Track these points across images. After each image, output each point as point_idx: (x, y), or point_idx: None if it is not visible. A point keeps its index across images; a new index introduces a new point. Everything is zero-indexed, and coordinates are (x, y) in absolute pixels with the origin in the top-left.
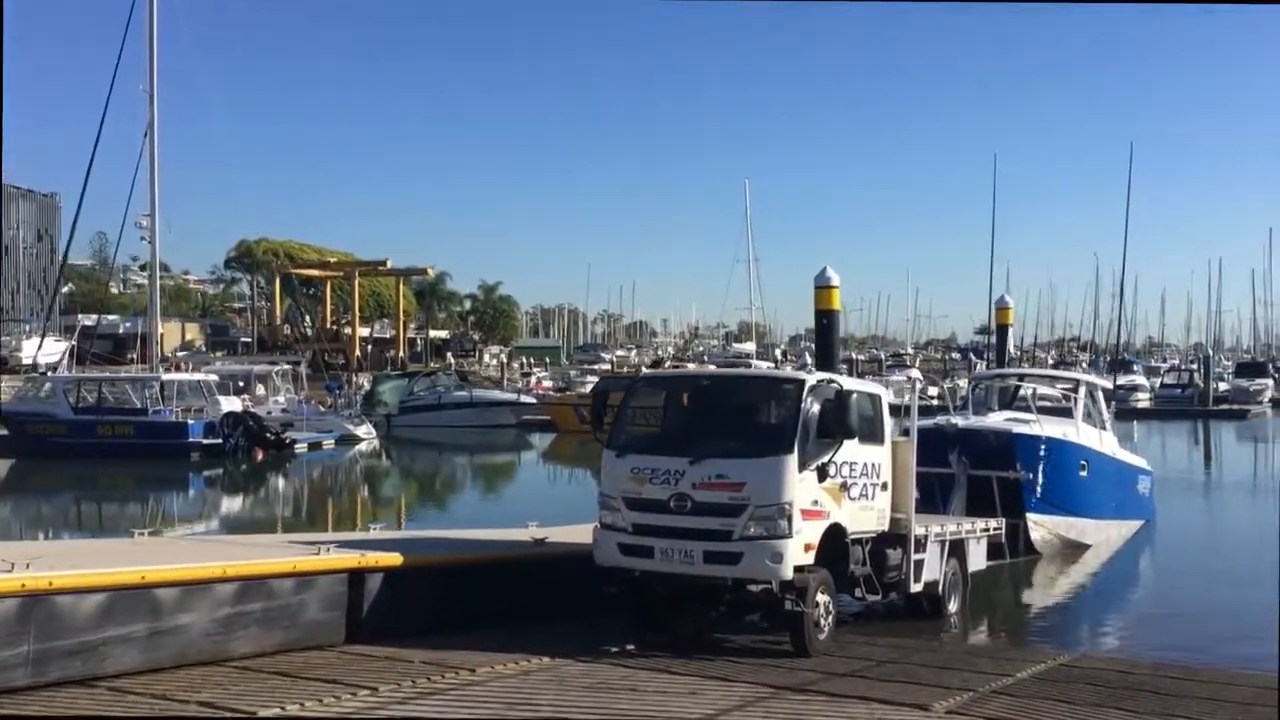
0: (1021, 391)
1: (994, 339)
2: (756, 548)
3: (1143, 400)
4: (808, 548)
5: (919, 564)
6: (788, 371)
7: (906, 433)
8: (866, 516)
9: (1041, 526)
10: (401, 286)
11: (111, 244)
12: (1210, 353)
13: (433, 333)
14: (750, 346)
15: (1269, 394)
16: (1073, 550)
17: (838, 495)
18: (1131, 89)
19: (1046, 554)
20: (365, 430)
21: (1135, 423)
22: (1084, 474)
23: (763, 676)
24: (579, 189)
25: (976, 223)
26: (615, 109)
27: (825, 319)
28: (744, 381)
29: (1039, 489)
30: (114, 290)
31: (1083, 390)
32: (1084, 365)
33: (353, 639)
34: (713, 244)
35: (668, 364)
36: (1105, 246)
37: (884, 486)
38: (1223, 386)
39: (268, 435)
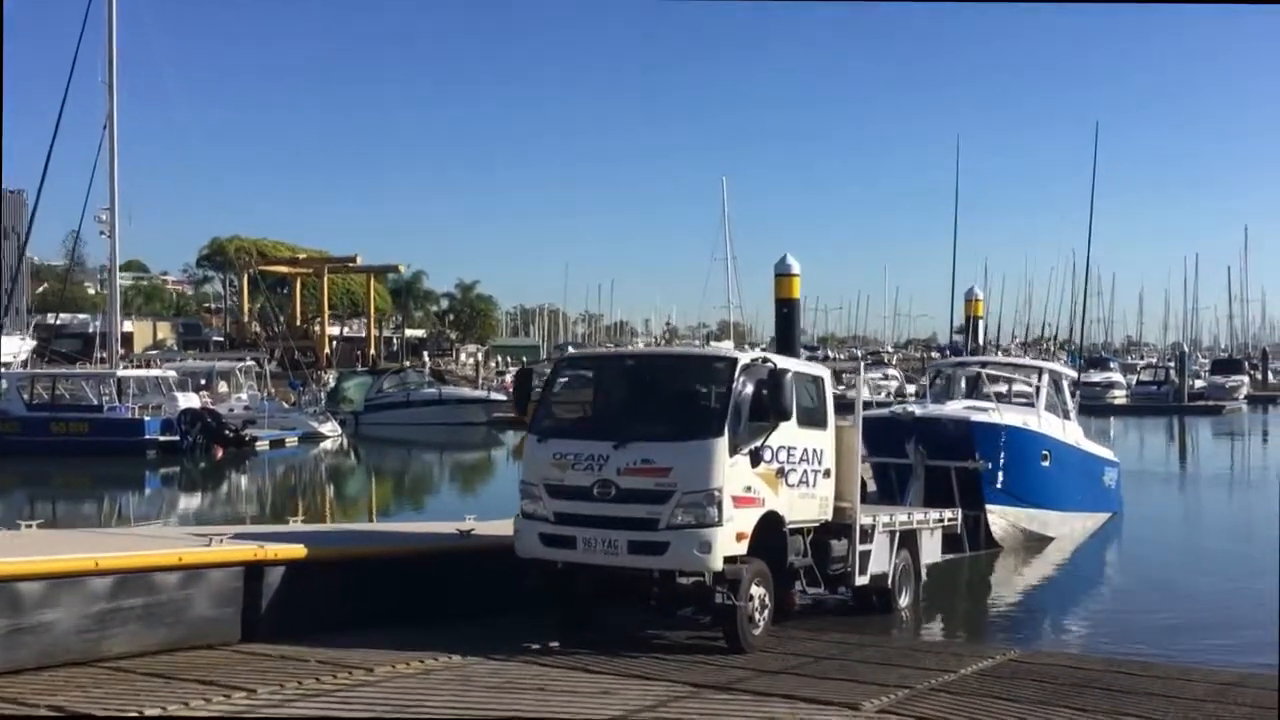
0: (987, 386)
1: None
2: (684, 537)
3: (1119, 397)
4: (740, 537)
5: (865, 555)
6: (719, 350)
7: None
8: (807, 505)
9: (1002, 518)
10: (377, 285)
11: (84, 242)
12: (1186, 349)
13: (410, 332)
14: (728, 345)
15: (1244, 390)
16: (1035, 543)
17: (774, 482)
18: (1109, 85)
19: (1008, 547)
20: (330, 428)
21: (1111, 419)
22: (1046, 464)
23: (688, 674)
24: (558, 187)
25: (959, 222)
26: (594, 105)
27: (785, 307)
28: (672, 361)
29: (999, 479)
30: (90, 290)
31: (1045, 379)
32: (1063, 360)
33: (250, 637)
34: (691, 243)
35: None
36: (1083, 244)
37: (827, 474)
38: (1199, 384)
39: (227, 433)
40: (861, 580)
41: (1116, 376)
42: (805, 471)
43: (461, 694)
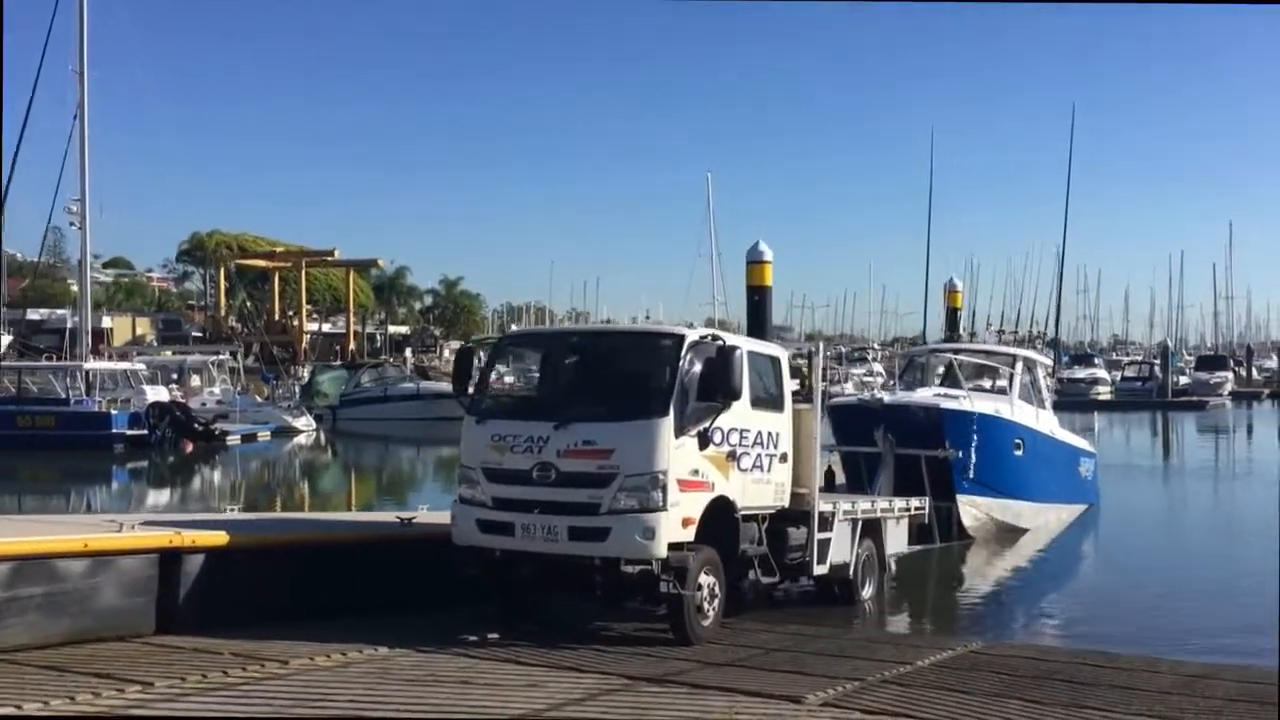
0: (961, 374)
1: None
2: (626, 522)
3: (1103, 393)
4: (686, 523)
5: (825, 544)
6: (666, 326)
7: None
8: (761, 490)
9: (973, 508)
10: (360, 281)
11: (64, 237)
12: (1170, 344)
13: (393, 328)
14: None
15: (1229, 386)
16: (1008, 534)
17: (724, 465)
18: (1093, 81)
19: (980, 538)
20: (305, 422)
21: (1095, 414)
22: (1019, 453)
23: (625, 666)
24: (544, 183)
25: (941, 219)
26: (580, 102)
27: (757, 295)
28: (617, 338)
29: (970, 469)
30: (73, 286)
31: (1020, 366)
32: (1041, 349)
33: (165, 628)
34: (676, 239)
35: None
36: (1069, 241)
37: (783, 458)
38: (1183, 380)
39: (196, 426)
40: (820, 570)
41: (1101, 373)
42: (759, 455)
43: (375, 687)
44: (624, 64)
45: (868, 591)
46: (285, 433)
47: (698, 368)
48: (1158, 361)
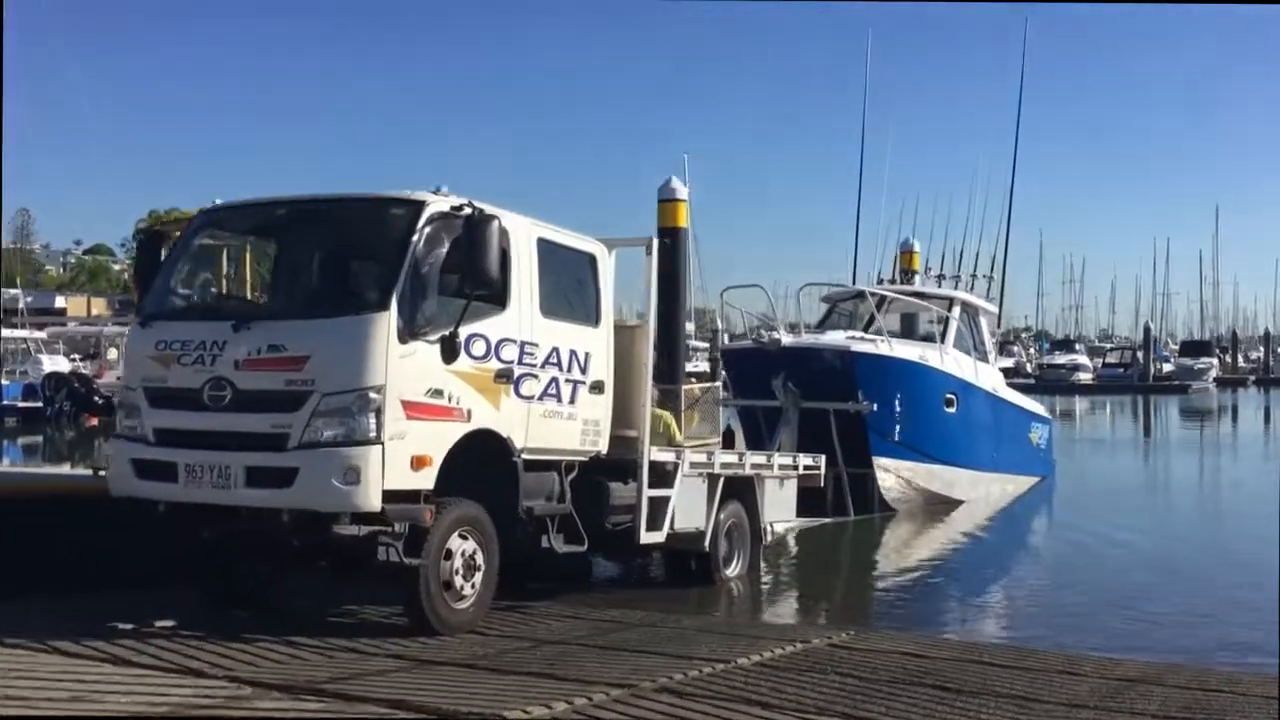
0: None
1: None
2: (320, 460)
3: (1084, 379)
4: (419, 463)
5: (660, 504)
6: (403, 192)
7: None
8: (560, 429)
9: (894, 474)
10: None
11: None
12: (1151, 325)
13: None
14: (690, 327)
15: (1214, 373)
16: (939, 507)
17: (491, 389)
18: (1080, 71)
19: (904, 510)
20: None
21: (1076, 397)
22: (952, 410)
23: (283, 671)
24: (523, 166)
25: (925, 201)
26: (555, 84)
27: (669, 238)
28: (335, 208)
29: (890, 426)
30: (50, 270)
31: (957, 310)
32: (1029, 349)
33: None
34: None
35: None
36: (1052, 226)
37: (596, 389)
38: (1167, 367)
39: (97, 399)
40: (653, 537)
41: (1082, 359)
42: (556, 382)
43: None
44: (594, 48)
45: (734, 569)
46: None
47: (441, 249)
48: (1140, 350)
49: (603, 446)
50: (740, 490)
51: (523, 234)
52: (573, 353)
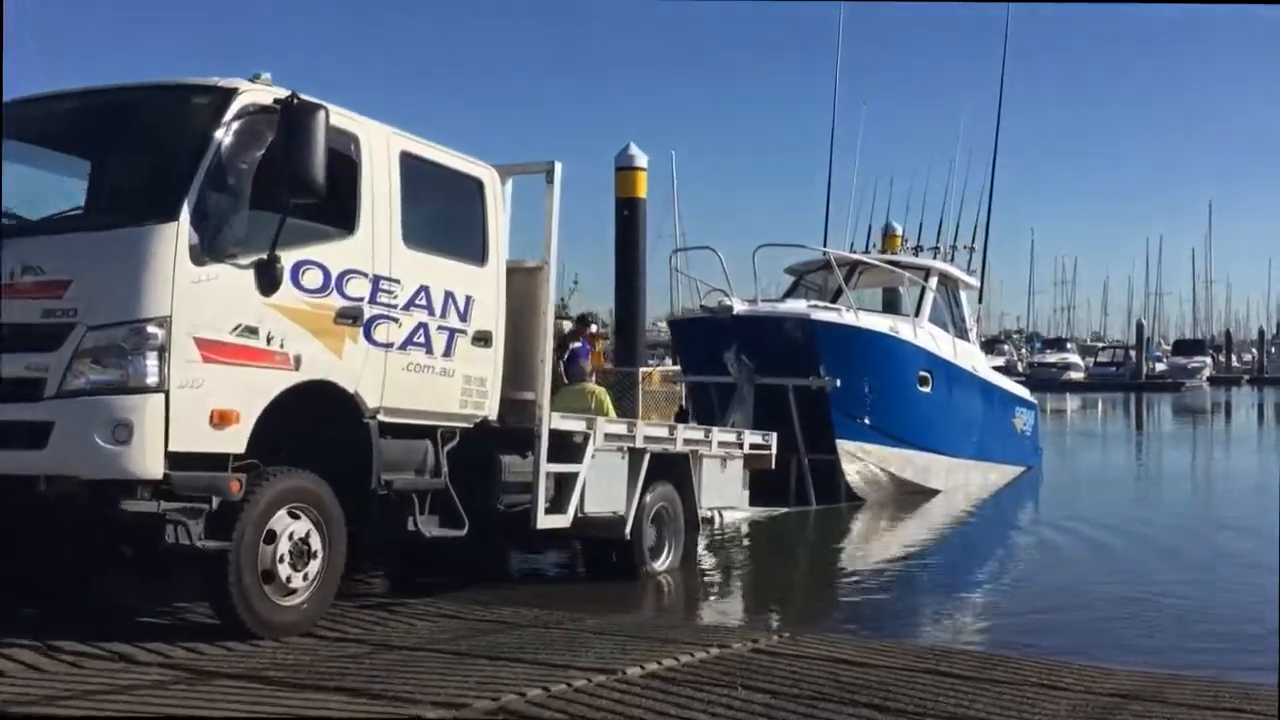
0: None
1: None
2: (79, 412)
3: (1075, 377)
4: (222, 419)
5: (566, 482)
6: (211, 80)
7: None
8: (429, 387)
9: (860, 459)
10: None
11: None
12: (1144, 322)
13: None
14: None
15: (1207, 371)
16: (912, 498)
17: (330, 331)
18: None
19: (873, 500)
20: None
21: (1067, 395)
22: (927, 390)
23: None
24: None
25: (901, 187)
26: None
27: (627, 209)
28: (126, 99)
29: (855, 405)
30: None
31: (934, 281)
32: (1020, 348)
33: None
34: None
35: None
36: (1044, 226)
37: (481, 341)
38: (1160, 367)
39: None
40: (554, 521)
41: (1074, 358)
42: (425, 329)
43: None
44: (584, 48)
45: (665, 561)
46: None
47: (259, 151)
48: (1132, 348)
49: (491, 411)
50: (672, 470)
51: (378, 143)
52: (449, 295)
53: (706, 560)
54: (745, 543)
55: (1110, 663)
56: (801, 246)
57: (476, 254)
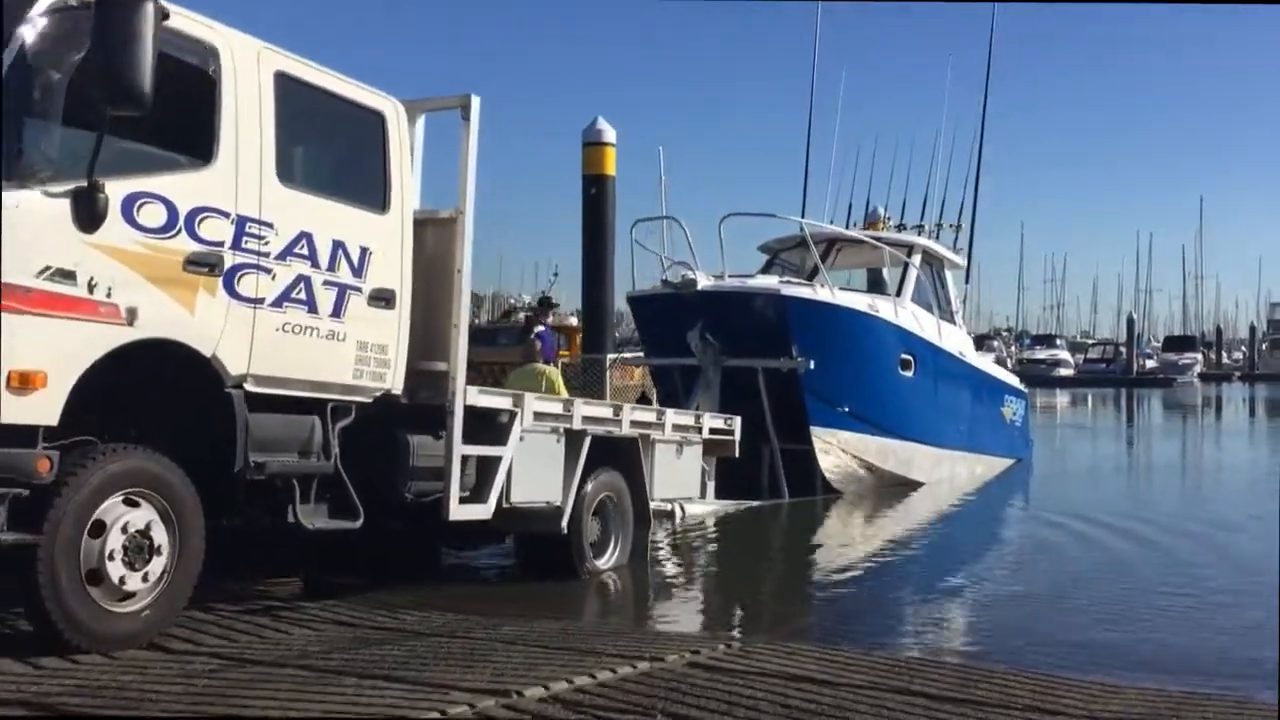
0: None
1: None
2: None
3: (1065, 374)
4: (24, 383)
5: (488, 467)
6: None
7: None
8: (314, 352)
9: (836, 447)
10: None
11: None
12: (1135, 317)
13: None
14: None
15: (1198, 368)
16: (894, 491)
17: (178, 280)
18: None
19: (851, 493)
20: None
21: (1057, 390)
22: (909, 374)
23: None
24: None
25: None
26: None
27: (595, 187)
28: None
29: (836, 391)
30: None
31: (918, 258)
32: (1009, 345)
33: None
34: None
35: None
36: (1033, 223)
37: (381, 300)
38: (1150, 364)
39: None
40: (472, 511)
41: (1063, 354)
42: (307, 282)
43: None
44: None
45: (609, 558)
46: None
47: (74, 52)
48: (1122, 344)
49: (394, 383)
50: (618, 457)
51: (245, 59)
52: (339, 245)
53: (661, 558)
54: (708, 539)
55: (1115, 678)
56: (772, 216)
57: (376, 199)
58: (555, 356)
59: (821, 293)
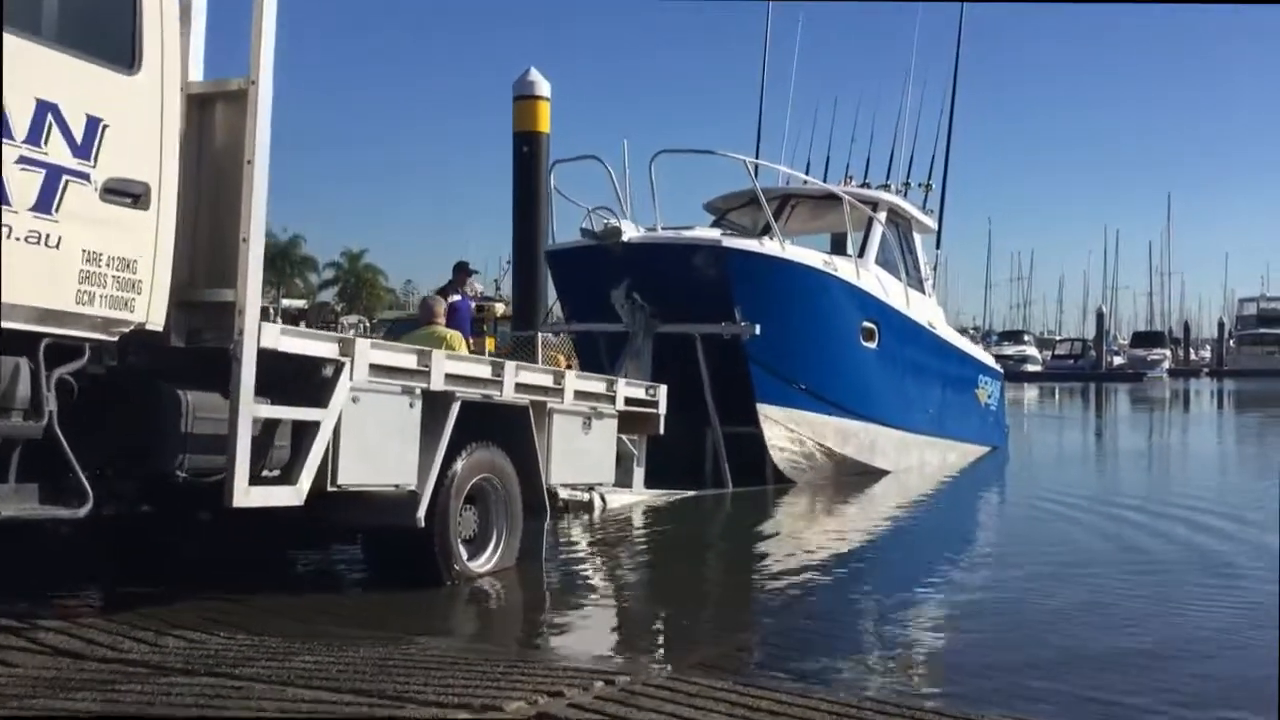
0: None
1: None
2: None
3: (1033, 370)
4: None
5: (303, 437)
6: None
7: None
8: (2, 260)
9: (785, 429)
10: None
11: None
12: (1104, 310)
13: (288, 301)
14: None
15: (1167, 364)
16: (854, 479)
17: None
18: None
19: (805, 482)
20: None
21: (1025, 385)
22: (872, 345)
23: None
24: (457, 156)
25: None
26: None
27: (526, 145)
28: None
29: (787, 362)
30: None
31: (883, 215)
32: (977, 341)
33: None
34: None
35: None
36: (1000, 220)
37: (126, 198)
38: (1118, 360)
39: None
40: (272, 496)
41: (1031, 350)
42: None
43: None
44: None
45: (488, 560)
46: None
47: None
48: (1091, 341)
49: (149, 315)
50: (501, 429)
51: None
52: (49, 110)
53: (564, 560)
54: (629, 537)
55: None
56: (710, 153)
57: (120, 53)
58: (469, 332)
59: (770, 246)
